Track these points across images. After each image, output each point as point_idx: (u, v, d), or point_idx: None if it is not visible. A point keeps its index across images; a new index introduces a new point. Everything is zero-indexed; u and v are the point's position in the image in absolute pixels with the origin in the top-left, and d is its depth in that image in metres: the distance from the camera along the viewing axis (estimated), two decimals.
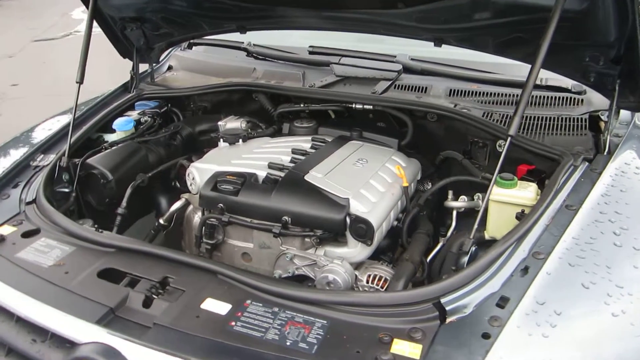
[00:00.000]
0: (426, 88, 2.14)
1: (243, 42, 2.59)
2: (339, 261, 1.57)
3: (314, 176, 1.68)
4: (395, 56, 2.29)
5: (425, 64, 2.22)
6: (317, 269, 1.58)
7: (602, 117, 1.96)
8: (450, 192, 1.92)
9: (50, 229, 1.58)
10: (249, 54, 2.58)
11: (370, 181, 1.73)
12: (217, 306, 1.27)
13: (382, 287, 1.58)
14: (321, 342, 1.16)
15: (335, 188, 1.63)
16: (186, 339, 1.17)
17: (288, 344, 1.16)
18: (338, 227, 1.56)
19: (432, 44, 2.05)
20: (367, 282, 1.60)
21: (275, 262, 1.66)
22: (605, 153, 1.75)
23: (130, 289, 1.33)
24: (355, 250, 1.60)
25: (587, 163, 1.70)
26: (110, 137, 2.11)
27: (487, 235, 1.74)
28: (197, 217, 1.84)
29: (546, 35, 1.39)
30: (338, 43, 2.49)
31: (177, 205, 1.90)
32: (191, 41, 2.71)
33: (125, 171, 1.92)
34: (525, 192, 1.65)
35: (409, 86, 2.17)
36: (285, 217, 1.59)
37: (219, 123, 2.22)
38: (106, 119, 2.17)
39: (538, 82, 2.09)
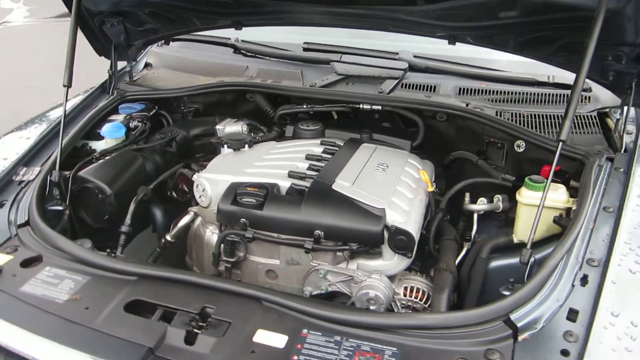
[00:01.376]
0: (435, 87, 2.08)
1: (230, 38, 2.43)
2: (377, 275, 1.48)
3: (341, 185, 1.58)
4: (397, 53, 2.21)
5: (431, 61, 2.15)
6: (354, 284, 1.49)
7: (612, 115, 1.96)
8: (467, 195, 1.87)
9: (53, 255, 1.40)
10: (237, 51, 2.43)
11: (397, 188, 1.65)
12: (271, 338, 1.15)
13: (420, 300, 1.51)
14: None
15: (367, 197, 1.53)
16: None
17: None
18: (376, 239, 1.47)
19: (436, 40, 2.00)
20: (405, 295, 1.52)
21: (305, 278, 1.55)
22: (622, 151, 1.76)
23: (167, 323, 1.19)
24: (392, 262, 1.52)
25: (609, 162, 1.70)
26: (98, 145, 1.91)
27: (515, 239, 1.71)
28: (209, 233, 1.70)
29: (592, 35, 1.35)
30: (330, 39, 2.38)
31: (185, 220, 1.75)
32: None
33: (123, 184, 1.74)
34: (557, 195, 1.62)
35: (415, 85, 2.10)
36: (318, 231, 1.48)
37: (217, 127, 2.07)
38: (90, 124, 1.96)
39: (544, 79, 2.09)
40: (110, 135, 1.89)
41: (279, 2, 1.87)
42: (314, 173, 1.66)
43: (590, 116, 1.98)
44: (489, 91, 2.06)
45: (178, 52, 2.51)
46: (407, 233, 1.45)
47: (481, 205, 1.84)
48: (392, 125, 2.17)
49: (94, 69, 2.45)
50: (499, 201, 1.83)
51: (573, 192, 1.64)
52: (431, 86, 2.08)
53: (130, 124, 2.00)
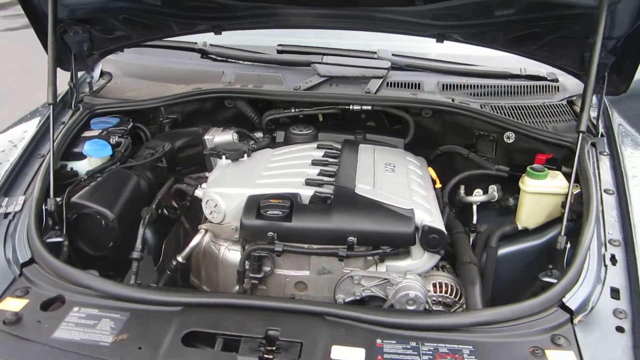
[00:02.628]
0: (419, 84, 2.12)
1: (197, 43, 2.32)
2: (412, 275, 1.49)
3: (364, 189, 1.57)
4: (376, 52, 2.23)
5: (410, 59, 2.20)
6: (390, 287, 1.49)
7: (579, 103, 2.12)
8: (462, 187, 1.94)
9: (75, 293, 1.27)
10: (205, 55, 2.32)
11: (412, 187, 1.68)
12: (349, 353, 1.12)
13: (450, 295, 1.55)
14: None
15: (392, 199, 1.54)
16: None
17: None
18: (409, 240, 1.48)
19: (413, 38, 2.05)
20: (435, 292, 1.55)
21: (337, 286, 1.53)
22: (599, 136, 1.90)
23: (234, 352, 1.12)
24: (422, 260, 1.54)
25: (593, 147, 1.83)
26: (80, 166, 1.75)
27: (520, 226, 1.79)
28: (224, 250, 1.62)
29: (598, 32, 1.45)
30: (302, 40, 2.35)
31: (197, 239, 1.65)
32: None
33: (123, 205, 1.61)
34: (558, 181, 1.72)
35: (399, 83, 2.13)
36: (352, 238, 1.46)
37: (206, 137, 1.97)
38: (64, 144, 1.79)
39: (517, 72, 2.21)
40: (96, 154, 1.73)
41: (268, 5, 1.81)
42: (330, 179, 1.64)
43: (561, 104, 2.12)
44: (469, 86, 2.14)
45: (141, 60, 2.35)
46: (439, 231, 1.47)
47: (479, 196, 1.91)
48: (377, 124, 2.19)
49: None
50: (494, 191, 1.92)
51: (567, 178, 1.76)
52: (415, 84, 2.12)
53: (111, 140, 1.84)
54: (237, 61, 2.29)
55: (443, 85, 2.11)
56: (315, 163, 1.77)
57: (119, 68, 2.33)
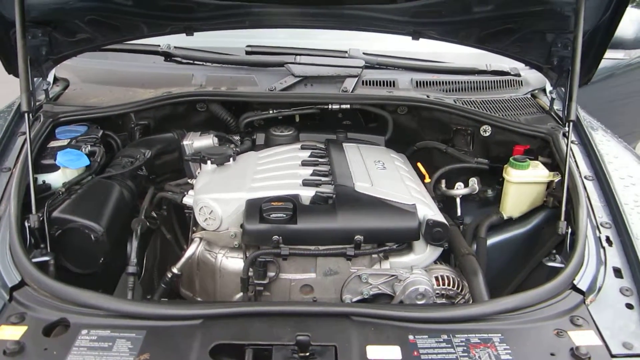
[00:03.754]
0: (393, 82, 2.14)
1: (160, 45, 2.21)
2: (418, 270, 1.50)
3: (363, 187, 1.57)
4: (346, 52, 2.23)
5: (381, 57, 2.21)
6: (397, 283, 1.49)
7: (543, 95, 2.23)
8: (443, 181, 1.99)
9: (80, 315, 1.16)
10: (169, 58, 2.22)
11: (406, 182, 1.69)
12: (386, 352, 1.11)
13: (453, 287, 1.57)
14: (515, 354, 1.11)
15: (394, 196, 1.54)
16: None
17: None
18: (414, 235, 1.49)
19: (381, 36, 2.08)
20: (438, 285, 1.56)
21: (344, 286, 1.50)
22: (566, 125, 2.00)
23: None
24: (424, 255, 1.55)
25: (564, 137, 1.93)
26: (52, 178, 1.61)
27: (505, 216, 1.86)
28: (221, 257, 1.56)
29: (578, 24, 1.52)
30: (270, 41, 2.31)
31: (192, 248, 1.57)
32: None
33: (110, 218, 1.50)
34: (539, 171, 1.80)
35: (374, 81, 2.14)
36: (359, 237, 1.44)
37: (184, 143, 1.89)
38: (32, 155, 1.64)
39: (483, 67, 2.28)
40: (72, 164, 1.60)
41: (243, 3, 1.76)
42: (327, 179, 1.62)
43: (526, 98, 2.22)
44: (440, 82, 2.18)
45: (100, 65, 2.21)
46: (442, 224, 1.49)
47: (461, 189, 1.96)
48: (353, 122, 2.19)
49: None
50: (474, 184, 1.97)
51: (547, 167, 1.84)
52: (390, 81, 2.14)
53: (83, 150, 1.72)
54: (204, 63, 2.21)
55: (417, 82, 2.15)
56: (305, 163, 1.74)
57: (75, 74, 2.18)
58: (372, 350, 1.11)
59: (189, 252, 1.56)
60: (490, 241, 1.85)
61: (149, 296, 1.32)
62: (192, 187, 1.80)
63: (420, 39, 2.00)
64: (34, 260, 1.32)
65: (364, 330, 1.16)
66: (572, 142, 1.89)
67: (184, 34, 1.95)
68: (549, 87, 2.32)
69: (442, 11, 1.76)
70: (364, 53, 2.23)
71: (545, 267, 1.46)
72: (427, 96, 2.07)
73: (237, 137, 2.02)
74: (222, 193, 1.55)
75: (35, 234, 1.40)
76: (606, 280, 1.32)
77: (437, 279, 1.57)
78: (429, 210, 1.53)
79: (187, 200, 1.63)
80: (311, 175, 1.67)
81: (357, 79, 2.09)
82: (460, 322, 1.18)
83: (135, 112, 1.94)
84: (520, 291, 1.28)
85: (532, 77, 2.30)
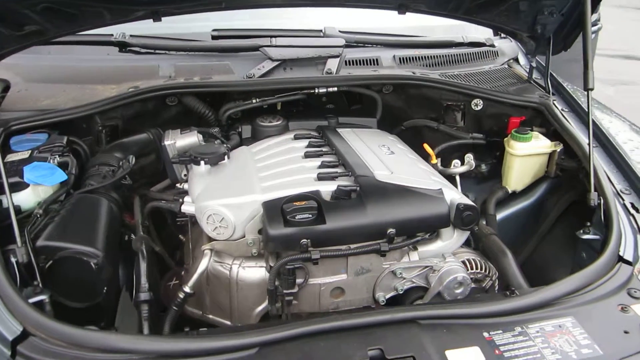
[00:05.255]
0: (376, 60, 2.02)
1: (113, 35, 1.95)
2: (450, 258, 1.43)
3: (384, 175, 1.45)
4: (321, 30, 2.08)
5: (358, 35, 2.09)
6: (432, 274, 1.40)
7: (520, 66, 2.22)
8: (439, 160, 1.92)
9: None
10: (124, 49, 1.96)
11: (420, 166, 1.60)
12: (467, 355, 1.03)
13: (481, 270, 1.51)
14: (593, 337, 1.07)
15: (417, 182, 1.44)
16: None
17: (576, 357, 1.03)
18: (445, 221, 1.40)
19: (353, 12, 1.98)
20: (467, 269, 1.50)
21: (377, 284, 1.40)
22: (551, 94, 2.00)
23: None
24: (452, 241, 1.47)
25: (555, 106, 1.92)
26: (21, 198, 1.36)
27: (509, 189, 1.83)
28: (237, 268, 1.39)
29: None
30: (237, 23, 2.12)
31: (205, 262, 1.38)
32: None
33: (106, 239, 1.29)
34: (542, 142, 1.78)
35: (356, 60, 2.01)
36: (391, 230, 1.34)
37: (166, 143, 1.67)
38: None
39: (460, 40, 2.23)
40: (48, 180, 1.36)
41: None
42: (341, 170, 1.49)
43: (504, 68, 2.19)
44: (421, 57, 2.10)
45: (44, 61, 1.91)
46: (472, 207, 1.41)
47: (460, 167, 1.91)
48: (337, 105, 2.07)
49: None
50: (470, 160, 1.93)
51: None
52: (373, 60, 2.02)
53: (51, 161, 1.47)
54: (167, 52, 1.97)
55: (400, 59, 2.05)
56: (309, 155, 1.60)
57: (15, 73, 1.87)
58: (452, 356, 1.02)
59: (201, 268, 1.38)
60: (498, 217, 1.82)
61: (187, 328, 1.13)
62: (181, 192, 1.61)
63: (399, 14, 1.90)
64: (31, 301, 1.10)
65: (436, 334, 1.07)
66: (563, 110, 1.90)
67: (145, 20, 1.73)
68: (521, 57, 2.33)
69: None
70: (340, 31, 2.10)
71: (579, 241, 1.43)
72: (413, 72, 1.98)
73: (215, 130, 1.84)
74: (232, 197, 1.37)
75: (22, 270, 1.16)
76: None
77: (464, 263, 1.50)
78: (455, 194, 1.45)
79: (187, 208, 1.44)
80: (320, 167, 1.53)
81: (339, 59, 1.96)
82: (531, 310, 1.11)
83: (101, 112, 1.70)
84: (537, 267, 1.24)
85: (506, 47, 2.28)
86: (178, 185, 1.63)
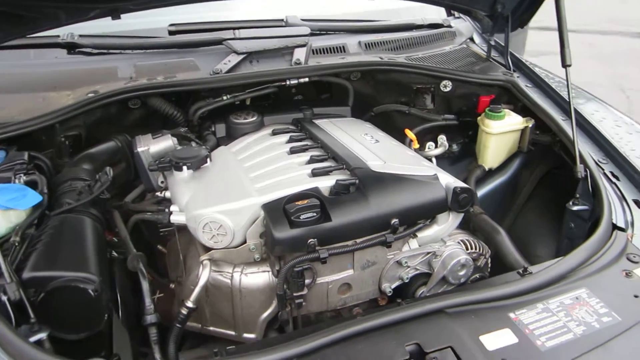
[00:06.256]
0: (343, 47, 1.98)
1: (59, 36, 1.79)
2: (450, 241, 1.43)
3: (378, 165, 1.43)
4: (283, 20, 2.02)
5: (322, 22, 2.05)
6: (435, 259, 1.41)
7: (490, 42, 2.24)
8: (411, 143, 1.93)
9: None
10: (72, 50, 1.80)
11: (407, 152, 1.59)
12: (500, 338, 1.03)
13: (475, 250, 1.53)
14: (609, 305, 1.11)
15: (411, 169, 1.43)
16: None
17: (598, 326, 1.06)
18: (443, 206, 1.40)
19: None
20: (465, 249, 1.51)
21: (382, 276, 1.38)
22: (512, 70, 2.05)
23: None
24: (447, 224, 1.47)
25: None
26: None
27: (486, 167, 1.87)
28: (240, 276, 1.33)
29: None
30: (186, 17, 2.01)
31: (205, 274, 1.30)
32: None
33: (98, 261, 1.18)
34: (515, 118, 1.83)
35: (323, 49, 1.96)
36: (395, 220, 1.32)
37: (139, 150, 1.56)
38: None
39: (420, 22, 2.24)
40: (21, 204, 1.22)
41: None
42: (334, 164, 1.46)
43: (463, 48, 2.22)
44: (385, 42, 2.08)
45: None
46: (468, 190, 1.42)
47: (435, 149, 1.93)
48: (305, 96, 2.02)
49: None
50: (444, 141, 1.95)
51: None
52: (339, 47, 1.98)
53: (16, 181, 1.33)
54: (123, 51, 1.84)
55: (365, 44, 2.02)
56: (295, 151, 1.55)
57: None
58: (487, 341, 1.02)
59: (202, 280, 1.30)
60: (481, 193, 1.85)
61: (215, 350, 1.06)
62: (160, 201, 1.52)
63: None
64: (32, 340, 0.99)
65: (466, 321, 1.07)
66: (527, 86, 1.95)
67: (102, 19, 1.59)
68: (476, 36, 2.37)
69: None
70: (302, 19, 2.05)
71: (568, 212, 1.48)
72: (381, 58, 1.97)
73: (184, 131, 1.74)
74: (229, 203, 1.30)
75: (11, 307, 1.04)
76: (634, 213, 1.38)
77: (459, 243, 1.52)
78: (449, 178, 1.45)
79: (177, 218, 1.36)
80: (309, 162, 1.49)
81: (306, 48, 1.90)
82: (549, 285, 1.14)
83: (61, 122, 1.56)
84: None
85: (463, 27, 2.32)
86: (158, 194, 1.53)
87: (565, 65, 1.57)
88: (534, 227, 1.82)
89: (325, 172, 1.41)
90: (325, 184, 1.36)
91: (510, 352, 1.00)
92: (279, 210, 1.26)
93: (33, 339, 1.01)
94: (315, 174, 1.40)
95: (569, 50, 1.56)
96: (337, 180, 1.35)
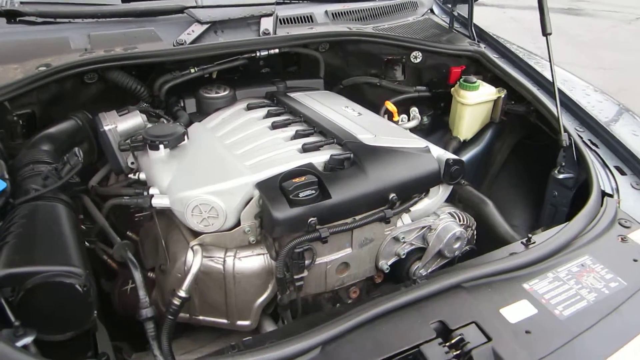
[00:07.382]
0: (311, 17, 1.88)
1: None
2: (443, 214, 1.42)
3: (369, 139, 1.37)
4: None
5: None
6: (429, 233, 1.38)
7: (457, 14, 2.21)
8: (386, 116, 1.90)
9: None
10: (13, 19, 1.60)
11: (390, 124, 1.55)
12: (520, 310, 1.03)
13: (464, 222, 1.52)
14: (614, 270, 1.13)
15: (403, 142, 1.39)
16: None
17: (608, 292, 1.08)
18: (437, 178, 1.37)
19: None
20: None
21: (379, 252, 1.34)
22: (476, 40, 2.05)
23: None
24: (438, 197, 1.45)
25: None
26: None
27: (461, 138, 1.87)
28: (233, 260, 1.24)
29: None
30: None
31: (197, 261, 1.20)
32: None
33: (79, 252, 1.05)
34: (488, 89, 1.83)
35: (290, 18, 1.86)
36: (393, 194, 1.28)
37: (106, 128, 1.41)
38: None
39: None
40: None
41: None
42: (323, 138, 1.38)
43: (427, 19, 2.20)
44: (350, 12, 2.01)
45: None
46: (459, 161, 1.39)
47: (409, 122, 1.91)
48: (273, 69, 1.92)
49: None
50: (416, 113, 1.93)
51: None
52: (307, 17, 1.88)
53: None
54: (72, 20, 1.65)
55: (332, 14, 1.94)
56: (277, 126, 1.46)
57: None
58: (508, 313, 1.01)
59: (194, 268, 1.19)
60: None
61: (233, 343, 0.96)
62: (132, 183, 1.39)
63: None
64: (19, 345, 0.86)
65: (483, 295, 1.05)
66: (494, 56, 1.96)
67: None
68: (436, 7, 2.35)
69: None
70: None
71: (552, 180, 1.50)
72: (349, 28, 1.90)
73: (145, 106, 1.60)
74: (219, 183, 1.20)
75: None
76: (618, 180, 1.41)
77: (451, 216, 1.50)
78: (439, 150, 1.42)
79: (160, 201, 1.24)
80: (295, 137, 1.41)
81: (273, 17, 1.79)
82: (556, 254, 1.14)
83: (11, 99, 1.37)
84: None
85: None
86: (131, 175, 1.40)
87: (545, 33, 1.58)
88: (509, 196, 1.84)
89: (316, 147, 1.34)
90: (318, 159, 1.29)
91: (532, 324, 0.99)
92: (275, 189, 1.18)
93: (19, 343, 0.87)
94: (306, 149, 1.33)
95: (549, 19, 1.56)
96: (331, 155, 1.29)
